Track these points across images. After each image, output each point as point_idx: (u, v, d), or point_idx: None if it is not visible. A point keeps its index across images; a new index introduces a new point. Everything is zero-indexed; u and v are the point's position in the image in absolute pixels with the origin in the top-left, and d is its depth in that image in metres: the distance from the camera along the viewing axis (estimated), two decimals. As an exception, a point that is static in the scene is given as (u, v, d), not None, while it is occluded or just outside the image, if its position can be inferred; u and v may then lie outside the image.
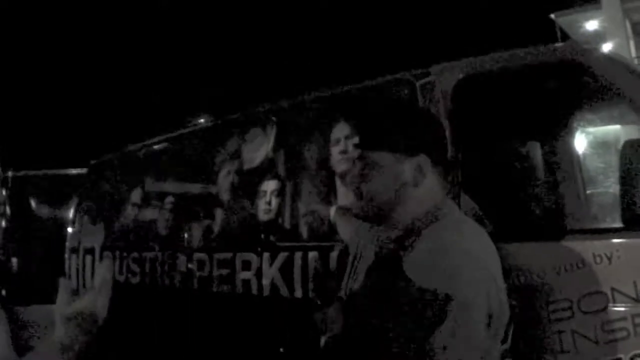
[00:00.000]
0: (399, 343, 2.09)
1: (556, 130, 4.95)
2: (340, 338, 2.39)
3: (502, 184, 4.28)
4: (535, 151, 4.86)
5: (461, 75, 4.03)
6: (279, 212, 4.91)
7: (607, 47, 18.56)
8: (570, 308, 3.32)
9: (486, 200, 3.98)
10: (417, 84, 4.16)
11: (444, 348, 2.02)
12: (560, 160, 4.87)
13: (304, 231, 4.71)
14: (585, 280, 3.29)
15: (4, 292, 11.03)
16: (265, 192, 5.07)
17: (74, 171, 10.73)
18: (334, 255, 4.32)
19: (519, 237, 3.60)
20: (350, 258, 2.70)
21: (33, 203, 11.73)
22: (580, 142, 5.31)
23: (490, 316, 2.12)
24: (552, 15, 24.58)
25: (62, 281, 2.19)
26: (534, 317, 3.41)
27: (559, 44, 4.28)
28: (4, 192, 11.63)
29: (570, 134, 5.03)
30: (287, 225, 4.85)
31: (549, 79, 3.98)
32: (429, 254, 2.17)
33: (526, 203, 4.45)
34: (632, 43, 22.08)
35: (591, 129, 5.78)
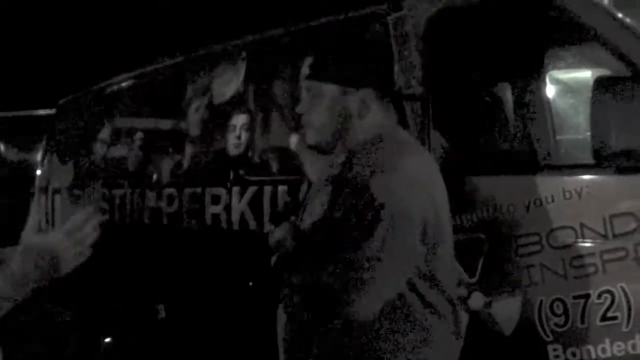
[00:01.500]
0: (338, 258, 2.19)
1: (527, 71, 4.92)
2: (290, 257, 2.48)
3: (473, 121, 4.25)
4: (506, 91, 4.83)
5: (434, 10, 3.96)
6: (249, 146, 4.87)
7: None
8: (540, 242, 3.33)
9: (456, 136, 3.97)
10: (389, 19, 4.09)
11: (377, 259, 2.12)
12: (531, 102, 4.85)
13: (273, 165, 4.69)
14: (554, 215, 3.30)
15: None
16: (235, 126, 5.01)
17: (42, 112, 10.57)
18: (303, 188, 4.29)
19: (488, 171, 3.61)
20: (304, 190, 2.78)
21: (0, 146, 11.58)
22: (551, 85, 5.29)
23: (424, 231, 2.21)
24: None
25: (35, 204, 2.04)
26: (502, 250, 3.42)
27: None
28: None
29: (542, 76, 5.00)
30: (256, 159, 4.81)
31: (522, 17, 3.92)
32: (367, 172, 2.26)
33: (496, 140, 4.43)
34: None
35: (563, 72, 5.77)
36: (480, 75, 4.54)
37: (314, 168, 3.86)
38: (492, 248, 3.44)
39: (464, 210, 3.48)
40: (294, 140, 4.23)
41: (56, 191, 7.40)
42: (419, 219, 2.20)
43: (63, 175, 7.37)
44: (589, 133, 3.23)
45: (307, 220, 2.53)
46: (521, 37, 4.23)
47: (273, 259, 2.55)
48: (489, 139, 4.34)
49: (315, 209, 2.49)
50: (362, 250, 2.12)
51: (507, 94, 4.80)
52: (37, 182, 8.11)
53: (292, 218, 2.66)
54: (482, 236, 3.47)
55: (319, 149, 2.56)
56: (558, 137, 4.96)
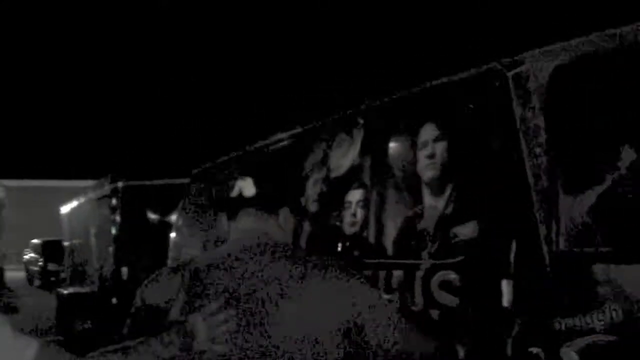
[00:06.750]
0: None
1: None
2: None
3: (608, 191, 3.54)
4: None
5: (559, 62, 3.45)
6: (364, 224, 4.50)
7: None
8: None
9: (586, 210, 3.33)
10: (509, 75, 3.61)
11: None
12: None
13: (389, 247, 4.27)
14: None
15: (114, 301, 11.19)
16: (350, 202, 4.65)
17: (180, 181, 10.78)
18: (419, 274, 3.89)
19: (623, 258, 3.00)
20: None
21: (143, 211, 11.91)
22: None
23: None
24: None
25: None
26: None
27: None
28: (114, 201, 11.84)
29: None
30: (371, 240, 4.40)
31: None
32: None
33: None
34: None
35: None
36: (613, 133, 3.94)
37: None
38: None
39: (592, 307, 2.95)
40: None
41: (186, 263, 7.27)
42: None
43: (192, 247, 7.26)
44: None
45: None
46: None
47: None
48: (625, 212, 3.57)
49: None
50: None
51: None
52: (170, 252, 8.08)
53: None
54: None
55: None
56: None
